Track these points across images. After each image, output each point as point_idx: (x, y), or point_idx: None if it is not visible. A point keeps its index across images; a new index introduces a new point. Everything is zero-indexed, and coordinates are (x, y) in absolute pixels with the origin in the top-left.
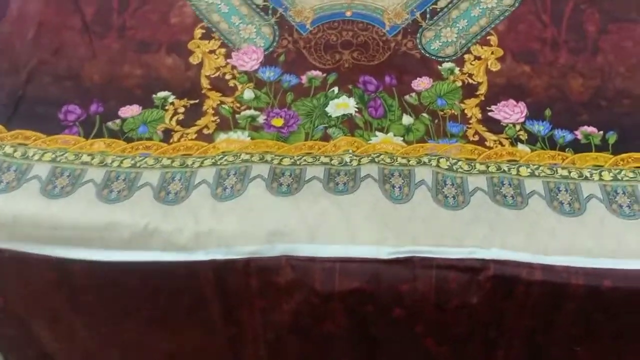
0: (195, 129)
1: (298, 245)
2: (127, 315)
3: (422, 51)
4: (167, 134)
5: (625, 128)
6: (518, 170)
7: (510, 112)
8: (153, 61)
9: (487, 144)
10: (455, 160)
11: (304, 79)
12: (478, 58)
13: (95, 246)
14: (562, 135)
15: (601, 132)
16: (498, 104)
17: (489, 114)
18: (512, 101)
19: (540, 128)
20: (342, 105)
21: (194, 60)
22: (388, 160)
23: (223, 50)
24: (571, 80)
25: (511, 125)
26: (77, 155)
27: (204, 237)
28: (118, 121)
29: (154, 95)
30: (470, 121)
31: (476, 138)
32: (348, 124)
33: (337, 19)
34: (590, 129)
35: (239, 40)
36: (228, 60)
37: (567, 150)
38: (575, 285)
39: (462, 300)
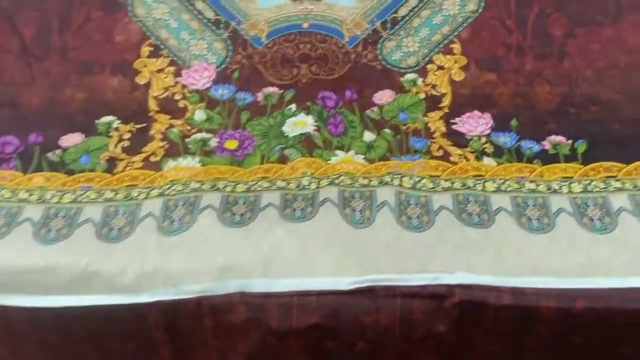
0: (141, 156)
1: (252, 280)
2: None
3: (384, 62)
4: (111, 163)
5: (594, 135)
6: (484, 186)
7: (475, 123)
8: (97, 83)
9: (452, 159)
10: (419, 178)
11: (260, 96)
12: (441, 68)
13: (34, 291)
14: (530, 146)
15: (570, 141)
16: (462, 116)
17: (453, 126)
18: (477, 112)
19: (506, 139)
20: (300, 123)
21: (140, 80)
22: (349, 181)
23: (172, 68)
24: (538, 87)
25: (476, 138)
26: (14, 192)
27: (149, 277)
28: (59, 151)
29: (97, 121)
30: (434, 135)
31: (440, 153)
32: (306, 144)
33: (294, 31)
34: (559, 138)
35: (189, 57)
36: (178, 79)
37: (534, 162)
38: (546, 308)
39: (428, 329)
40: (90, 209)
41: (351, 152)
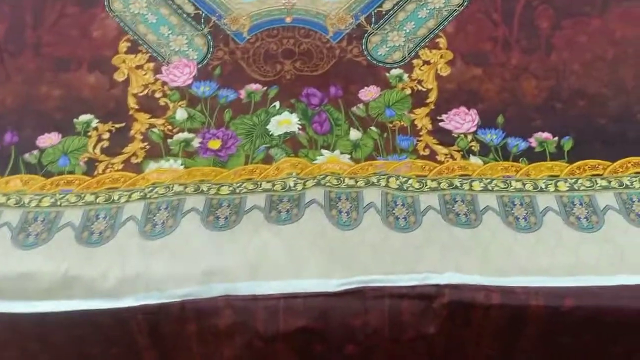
0: (122, 157)
1: (238, 283)
2: None
3: (369, 58)
4: (91, 165)
5: (580, 132)
6: (471, 185)
7: (462, 120)
8: (73, 80)
9: (439, 158)
10: (405, 179)
11: (243, 93)
12: (427, 63)
13: (13, 297)
14: (516, 144)
15: (556, 138)
16: (449, 112)
17: (440, 124)
18: (463, 109)
19: (492, 137)
20: (285, 122)
21: (119, 77)
22: (335, 182)
23: (151, 64)
24: (524, 82)
25: (462, 136)
26: None
27: (131, 282)
28: (36, 152)
29: (75, 120)
30: (421, 133)
31: (427, 152)
32: (291, 143)
33: (277, 26)
34: (545, 135)
35: (169, 53)
36: (157, 76)
37: (521, 160)
38: (535, 306)
39: (417, 331)
40: (70, 212)
41: (337, 152)
